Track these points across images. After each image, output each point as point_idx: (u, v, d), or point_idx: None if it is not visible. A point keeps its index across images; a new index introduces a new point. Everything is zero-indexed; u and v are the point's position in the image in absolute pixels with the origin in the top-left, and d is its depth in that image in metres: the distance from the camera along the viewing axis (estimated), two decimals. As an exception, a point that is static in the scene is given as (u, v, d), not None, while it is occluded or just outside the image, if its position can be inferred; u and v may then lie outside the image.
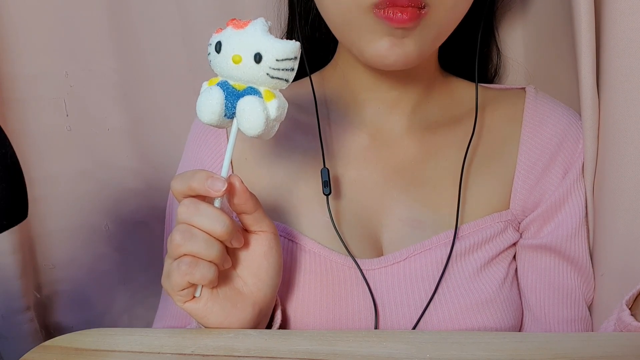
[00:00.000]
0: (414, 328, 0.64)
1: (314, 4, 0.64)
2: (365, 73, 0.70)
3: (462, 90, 0.75)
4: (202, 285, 0.56)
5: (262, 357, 0.52)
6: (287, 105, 0.54)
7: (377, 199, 0.70)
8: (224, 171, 0.54)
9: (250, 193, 0.55)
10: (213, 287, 0.56)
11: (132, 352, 0.54)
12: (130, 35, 0.93)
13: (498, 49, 0.83)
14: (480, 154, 0.71)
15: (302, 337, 0.55)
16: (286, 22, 0.82)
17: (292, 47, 0.52)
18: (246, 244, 0.58)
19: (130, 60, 0.95)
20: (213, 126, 0.55)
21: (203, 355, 0.53)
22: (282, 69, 0.52)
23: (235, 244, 0.55)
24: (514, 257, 0.72)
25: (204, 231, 0.53)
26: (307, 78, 0.71)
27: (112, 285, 1.08)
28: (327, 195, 0.67)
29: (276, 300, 0.63)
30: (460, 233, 0.68)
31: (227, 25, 0.55)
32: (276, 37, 0.52)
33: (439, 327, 0.65)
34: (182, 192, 0.54)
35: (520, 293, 0.71)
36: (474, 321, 0.65)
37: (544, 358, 0.50)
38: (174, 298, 0.55)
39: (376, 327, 0.65)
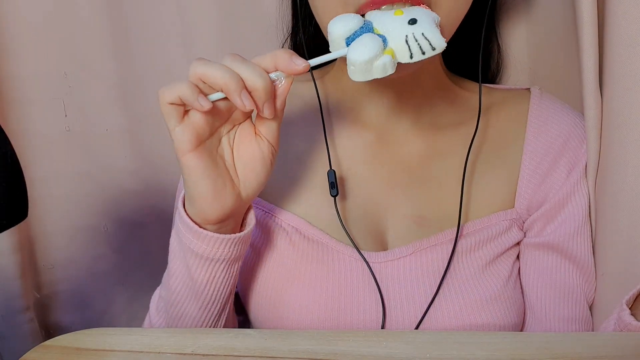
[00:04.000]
0: (419, 323, 0.65)
1: None
2: None
3: (467, 90, 0.75)
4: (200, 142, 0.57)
5: (262, 356, 0.52)
6: (390, 73, 0.55)
7: (383, 196, 0.70)
8: (314, 62, 0.56)
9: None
10: (211, 156, 0.58)
11: (132, 351, 0.54)
12: (129, 36, 0.93)
13: (499, 46, 0.83)
14: (485, 153, 0.71)
15: (302, 337, 0.55)
16: (290, 22, 0.82)
17: (440, 41, 0.55)
18: (251, 143, 0.59)
19: (129, 61, 0.95)
20: (332, 40, 0.57)
21: (203, 355, 0.53)
22: (419, 44, 0.54)
23: (266, 112, 0.56)
24: (518, 256, 0.72)
25: (244, 79, 0.54)
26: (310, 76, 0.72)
27: (111, 286, 1.08)
28: (334, 197, 0.68)
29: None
30: (465, 230, 0.69)
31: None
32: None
33: (444, 323, 0.65)
34: (264, 61, 0.55)
35: (522, 291, 0.71)
36: (478, 318, 0.65)
37: (544, 358, 0.51)
38: (169, 123, 0.56)
39: (382, 320, 0.66)
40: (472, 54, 0.75)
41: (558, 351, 0.51)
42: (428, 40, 0.54)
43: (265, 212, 0.71)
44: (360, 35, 0.56)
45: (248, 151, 0.59)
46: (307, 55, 0.73)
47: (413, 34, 0.55)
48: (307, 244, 0.68)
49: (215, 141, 0.59)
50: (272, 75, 0.55)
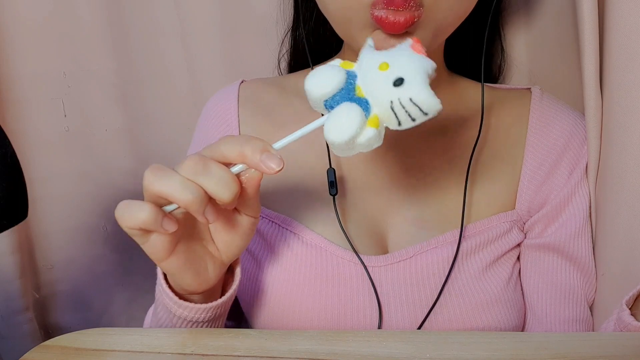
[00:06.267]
0: (420, 327, 0.65)
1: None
2: None
3: (469, 90, 0.74)
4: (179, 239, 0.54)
5: (262, 356, 0.52)
6: (379, 145, 0.50)
7: (383, 198, 0.70)
8: (277, 146, 0.50)
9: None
10: (188, 250, 0.54)
11: (132, 352, 0.54)
12: (128, 36, 0.93)
13: (502, 49, 0.83)
14: (486, 154, 0.71)
15: (302, 337, 0.55)
16: (291, 17, 0.82)
17: (433, 106, 0.48)
18: (229, 220, 0.56)
19: (128, 61, 0.95)
20: (310, 99, 0.51)
21: (203, 355, 0.53)
22: (406, 110, 0.48)
23: (229, 207, 0.52)
24: (518, 257, 0.72)
25: (208, 193, 0.49)
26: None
27: (110, 286, 1.08)
28: (333, 196, 0.67)
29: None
30: (466, 232, 0.68)
31: (415, 41, 0.52)
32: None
33: (444, 327, 0.65)
34: (230, 157, 0.50)
35: (523, 293, 0.71)
36: (479, 321, 0.65)
37: (544, 358, 0.50)
38: (136, 240, 0.52)
39: (380, 325, 0.65)
40: (474, 54, 0.75)
41: (558, 351, 0.51)
42: (417, 106, 0.47)
43: (263, 217, 0.70)
44: (340, 101, 0.49)
45: (226, 228, 0.56)
46: (308, 51, 0.73)
47: (399, 99, 0.47)
48: (306, 249, 0.68)
49: (190, 229, 0.56)
50: (238, 167, 0.50)
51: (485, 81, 0.72)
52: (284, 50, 0.85)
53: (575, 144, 0.70)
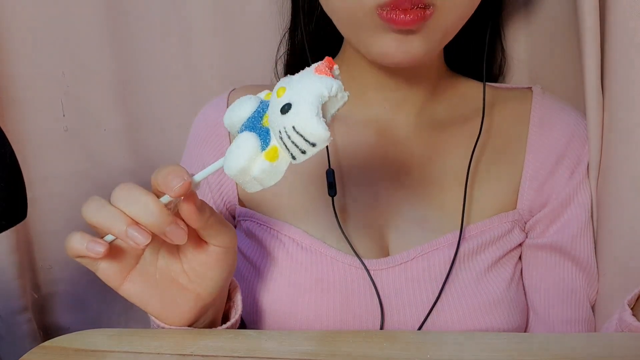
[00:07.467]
0: (419, 329, 0.64)
1: (319, 2, 0.64)
2: (371, 72, 0.69)
3: (469, 89, 0.74)
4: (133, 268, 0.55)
5: (262, 357, 0.52)
6: (279, 179, 0.46)
7: (383, 199, 0.70)
8: (198, 177, 0.50)
9: (201, 210, 0.51)
10: (148, 278, 0.55)
11: (132, 352, 0.54)
12: (127, 35, 0.93)
13: (503, 48, 0.83)
14: (487, 153, 0.71)
15: (302, 338, 0.54)
16: (289, 18, 0.82)
17: (318, 135, 0.42)
18: (197, 247, 0.55)
19: (127, 61, 0.95)
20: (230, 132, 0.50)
21: (203, 356, 0.52)
22: (292, 141, 0.43)
23: (175, 240, 0.51)
24: (520, 257, 0.72)
25: (131, 218, 0.50)
26: None
27: (110, 286, 1.08)
28: (332, 197, 0.67)
29: (234, 284, 0.62)
30: (467, 233, 0.68)
31: (325, 60, 0.48)
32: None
33: (447, 328, 0.64)
34: (155, 187, 0.51)
35: (525, 293, 0.71)
36: (481, 322, 0.65)
37: (544, 358, 0.50)
38: (88, 267, 0.54)
39: (382, 329, 0.65)
40: (475, 54, 0.75)
41: (558, 351, 0.51)
42: (302, 135, 0.43)
43: (260, 224, 0.70)
44: (243, 131, 0.46)
45: (196, 259, 0.55)
46: (308, 52, 0.73)
47: (284, 128, 0.43)
48: (305, 255, 0.67)
49: (150, 259, 0.56)
50: (164, 199, 0.50)
51: (486, 80, 0.72)
52: (282, 52, 0.85)
53: (577, 143, 0.70)
